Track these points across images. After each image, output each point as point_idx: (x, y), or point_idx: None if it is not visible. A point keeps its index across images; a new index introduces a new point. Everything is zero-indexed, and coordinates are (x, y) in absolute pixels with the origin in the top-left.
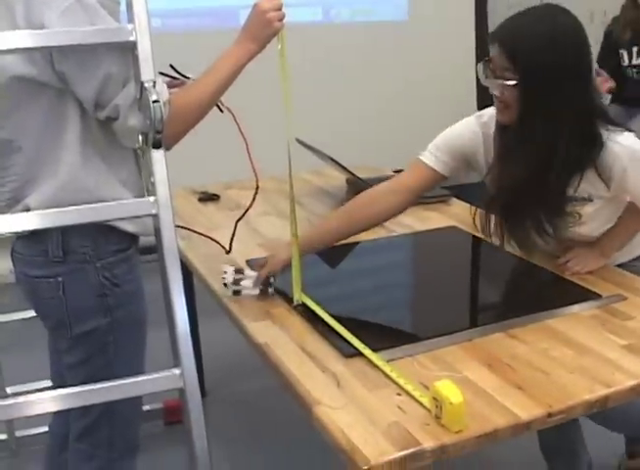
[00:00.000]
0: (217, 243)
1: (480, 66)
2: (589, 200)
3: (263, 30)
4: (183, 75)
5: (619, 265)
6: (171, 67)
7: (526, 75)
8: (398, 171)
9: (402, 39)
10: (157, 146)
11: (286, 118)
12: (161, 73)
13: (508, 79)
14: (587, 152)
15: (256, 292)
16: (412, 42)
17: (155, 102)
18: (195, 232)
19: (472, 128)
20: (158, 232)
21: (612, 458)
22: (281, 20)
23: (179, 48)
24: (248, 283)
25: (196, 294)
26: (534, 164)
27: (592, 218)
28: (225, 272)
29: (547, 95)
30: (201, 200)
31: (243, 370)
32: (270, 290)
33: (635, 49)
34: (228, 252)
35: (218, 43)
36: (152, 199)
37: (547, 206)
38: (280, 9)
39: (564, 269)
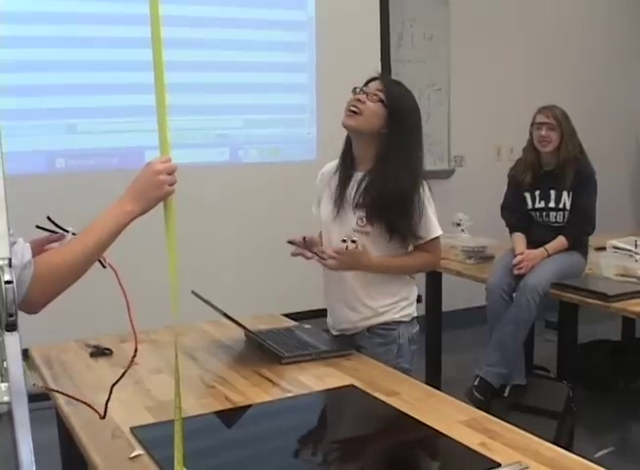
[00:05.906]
0: (90, 407)
1: (358, 89)
2: None
3: (152, 192)
4: (62, 228)
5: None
6: (49, 219)
7: (390, 100)
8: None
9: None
10: (10, 329)
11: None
12: (39, 227)
13: (376, 95)
14: None
15: None
16: None
17: (7, 283)
18: (72, 398)
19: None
20: (10, 420)
21: None
22: (172, 184)
23: (85, 188)
24: None
25: None
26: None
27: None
28: None
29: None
30: (92, 355)
31: None
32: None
33: (537, 192)
34: (103, 417)
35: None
36: (4, 386)
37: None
38: (173, 173)
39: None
